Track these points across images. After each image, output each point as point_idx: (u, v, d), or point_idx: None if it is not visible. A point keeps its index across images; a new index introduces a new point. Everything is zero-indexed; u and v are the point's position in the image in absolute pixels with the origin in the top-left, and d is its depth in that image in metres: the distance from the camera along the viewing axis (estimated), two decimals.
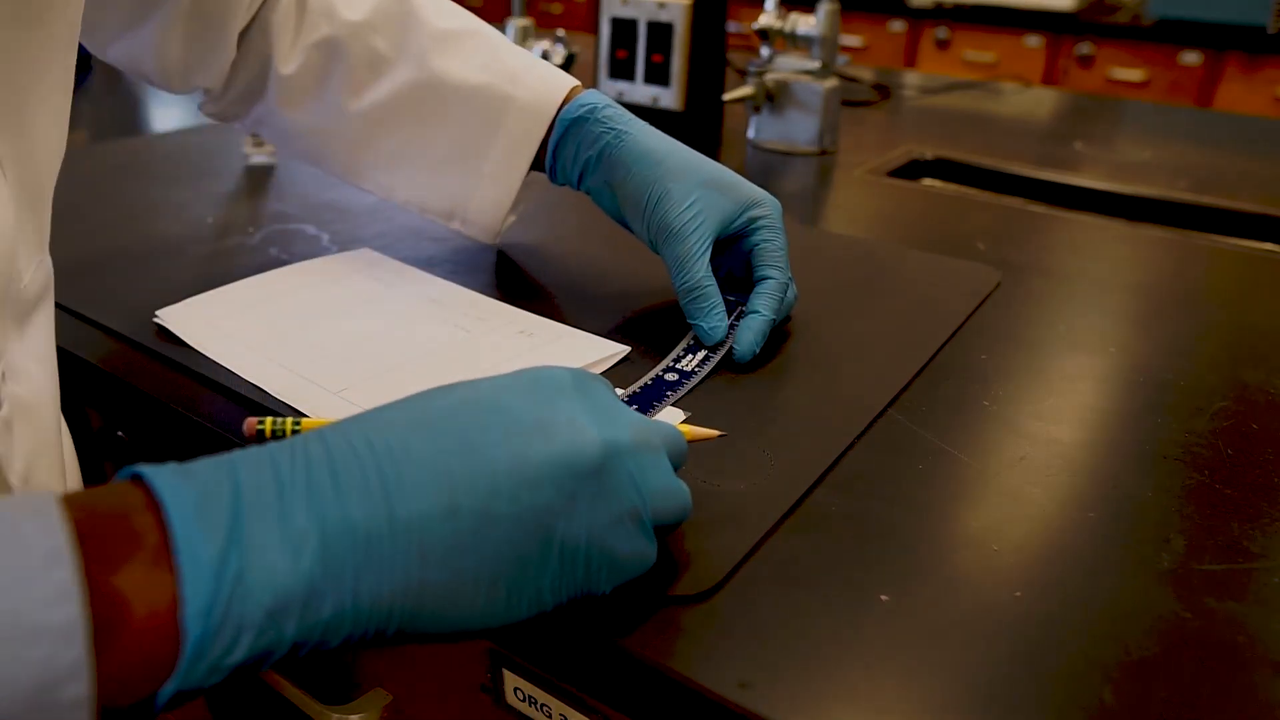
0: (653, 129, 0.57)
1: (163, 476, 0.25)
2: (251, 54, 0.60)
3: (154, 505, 0.25)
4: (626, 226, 0.58)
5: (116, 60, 0.59)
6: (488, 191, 0.61)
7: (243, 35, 0.59)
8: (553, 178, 0.60)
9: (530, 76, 0.59)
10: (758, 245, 0.54)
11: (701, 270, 0.52)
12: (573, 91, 0.59)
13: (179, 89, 0.62)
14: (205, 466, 0.26)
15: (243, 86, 0.62)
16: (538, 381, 0.31)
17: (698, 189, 0.53)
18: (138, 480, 0.26)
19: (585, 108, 0.57)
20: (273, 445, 0.27)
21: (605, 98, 0.58)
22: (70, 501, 0.24)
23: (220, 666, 0.24)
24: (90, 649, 0.22)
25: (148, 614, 0.23)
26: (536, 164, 0.60)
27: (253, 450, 0.27)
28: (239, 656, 0.24)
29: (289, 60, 0.60)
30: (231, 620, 0.24)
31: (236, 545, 0.24)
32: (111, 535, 0.24)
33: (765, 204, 0.55)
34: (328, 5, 0.59)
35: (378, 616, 0.26)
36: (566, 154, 0.58)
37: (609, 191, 0.56)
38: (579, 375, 0.33)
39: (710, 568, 0.36)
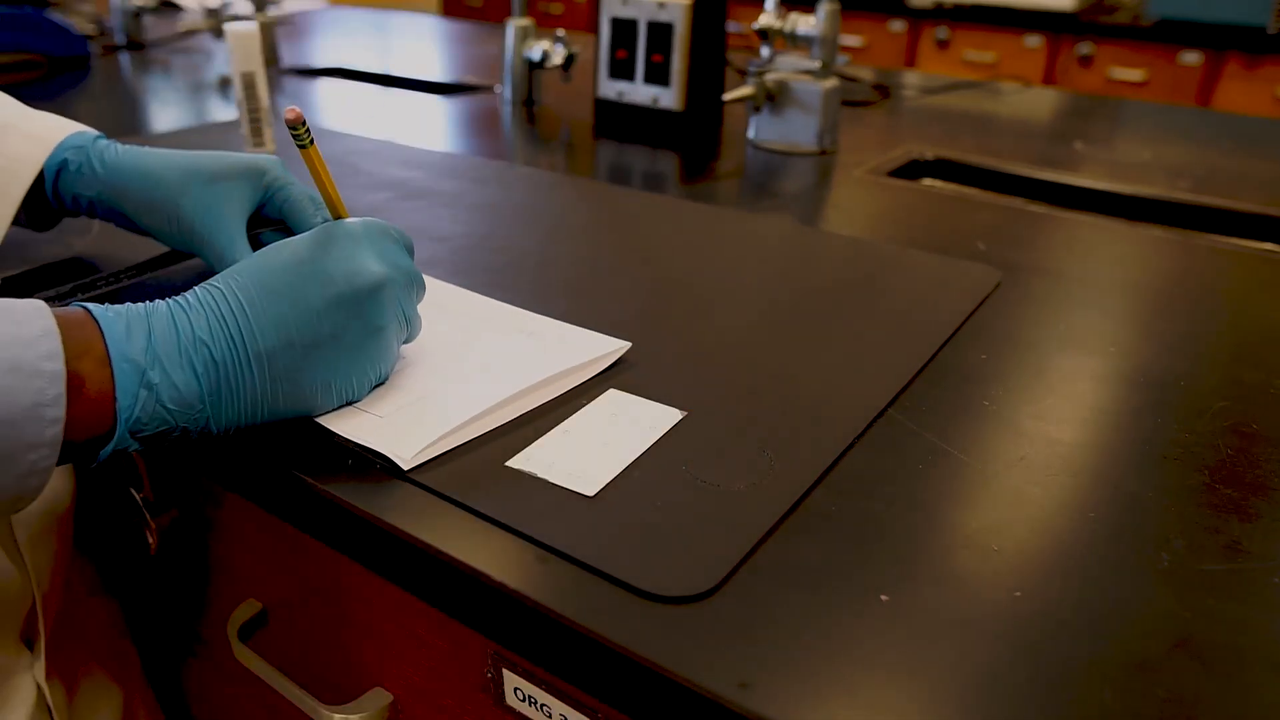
0: (135, 149, 0.57)
1: (100, 310, 0.37)
2: None
3: (96, 326, 0.37)
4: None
5: None
6: None
7: None
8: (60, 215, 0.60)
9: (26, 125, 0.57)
10: (284, 204, 0.57)
11: (243, 254, 0.54)
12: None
13: None
14: (130, 308, 0.38)
15: None
16: (334, 238, 0.43)
17: (206, 190, 0.55)
18: (84, 309, 0.37)
19: (70, 150, 0.57)
20: (172, 301, 0.40)
21: (90, 133, 0.58)
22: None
23: (137, 437, 0.37)
24: (65, 391, 0.34)
25: (96, 393, 0.36)
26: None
27: (160, 303, 0.39)
28: (148, 433, 0.37)
29: None
30: (145, 411, 0.37)
31: (153, 366, 0.37)
32: (74, 336, 0.36)
33: (269, 167, 0.57)
34: None
35: (244, 414, 0.40)
36: (65, 198, 0.58)
37: (128, 220, 0.57)
38: (368, 226, 0.44)
39: (710, 568, 0.36)
